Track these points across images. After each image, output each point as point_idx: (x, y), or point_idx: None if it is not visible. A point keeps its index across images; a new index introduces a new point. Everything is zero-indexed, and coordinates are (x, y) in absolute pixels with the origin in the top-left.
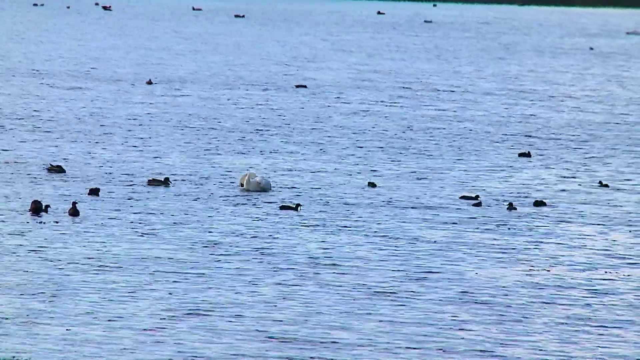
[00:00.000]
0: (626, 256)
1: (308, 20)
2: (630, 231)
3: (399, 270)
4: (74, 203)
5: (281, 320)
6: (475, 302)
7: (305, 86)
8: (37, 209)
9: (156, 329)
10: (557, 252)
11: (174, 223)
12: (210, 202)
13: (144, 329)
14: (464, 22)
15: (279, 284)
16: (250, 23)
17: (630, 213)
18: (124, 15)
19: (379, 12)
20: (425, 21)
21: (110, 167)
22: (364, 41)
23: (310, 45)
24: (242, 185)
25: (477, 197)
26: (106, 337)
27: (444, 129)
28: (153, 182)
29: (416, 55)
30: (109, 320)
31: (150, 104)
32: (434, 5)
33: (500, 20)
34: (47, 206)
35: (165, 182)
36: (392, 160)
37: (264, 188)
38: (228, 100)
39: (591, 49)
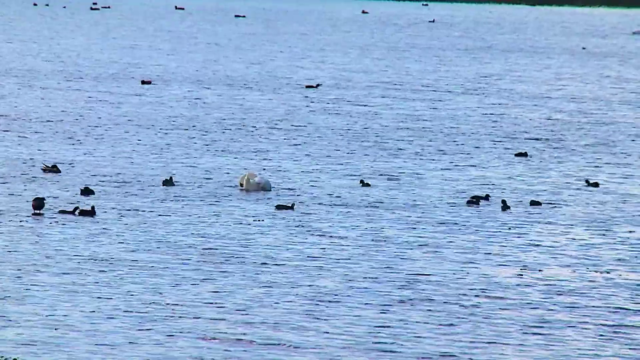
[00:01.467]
0: (608, 257)
1: (292, 21)
2: (615, 231)
3: (377, 272)
4: (78, 207)
5: (236, 322)
6: (446, 304)
7: (316, 86)
8: (39, 206)
9: (136, 329)
10: (539, 253)
11: (164, 224)
12: (207, 203)
13: (116, 330)
14: (468, 22)
15: (247, 285)
16: (247, 22)
17: (617, 212)
18: (114, 15)
19: (363, 12)
20: (429, 21)
21: (106, 167)
22: (371, 40)
23: (308, 44)
24: (241, 185)
25: (487, 196)
26: (67, 339)
27: (440, 128)
28: (166, 183)
29: (410, 55)
30: (73, 323)
31: (146, 103)
32: (425, 5)
33: (502, 20)
34: (76, 208)
35: (170, 182)
36: (386, 160)
37: (263, 188)
38: (228, 100)
39: (583, 48)
